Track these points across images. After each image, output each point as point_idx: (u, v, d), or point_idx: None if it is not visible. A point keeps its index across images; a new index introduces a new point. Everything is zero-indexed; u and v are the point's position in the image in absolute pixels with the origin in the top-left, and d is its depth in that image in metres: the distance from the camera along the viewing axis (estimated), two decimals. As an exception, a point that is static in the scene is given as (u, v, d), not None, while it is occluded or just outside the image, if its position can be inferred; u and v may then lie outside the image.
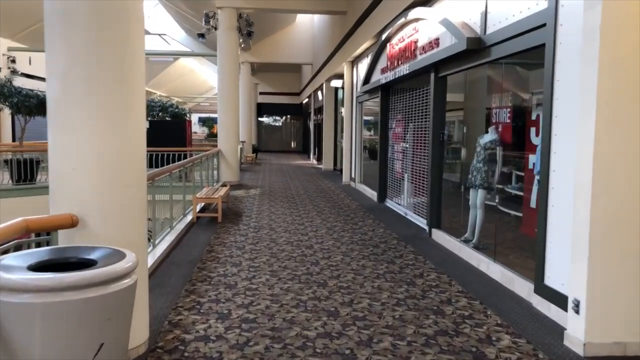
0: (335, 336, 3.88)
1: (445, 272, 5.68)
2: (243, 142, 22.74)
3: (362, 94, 13.10)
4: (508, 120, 5.82)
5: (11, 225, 2.78)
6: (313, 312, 4.39)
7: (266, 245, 6.92)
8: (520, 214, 5.56)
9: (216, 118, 15.43)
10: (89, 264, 2.61)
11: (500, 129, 5.90)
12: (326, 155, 20.25)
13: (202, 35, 15.57)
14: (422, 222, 8.48)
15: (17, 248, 3.57)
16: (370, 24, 11.57)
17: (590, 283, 3.56)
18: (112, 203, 3.32)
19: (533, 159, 5.29)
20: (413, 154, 9.20)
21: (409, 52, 8.70)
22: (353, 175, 14.90)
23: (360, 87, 13.15)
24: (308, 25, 24.90)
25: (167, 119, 19.15)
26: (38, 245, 4.20)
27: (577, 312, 3.66)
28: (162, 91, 39.29)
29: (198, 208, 9.28)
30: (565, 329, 3.85)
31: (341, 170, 16.86)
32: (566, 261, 4.09)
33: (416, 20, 8.33)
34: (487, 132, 6.23)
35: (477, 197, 6.40)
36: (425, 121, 8.34)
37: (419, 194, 8.88)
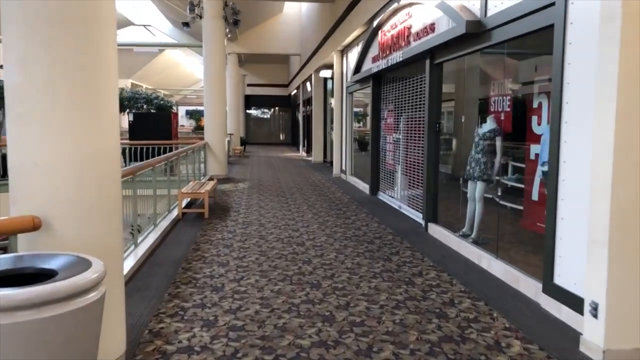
0: (331, 345, 3.55)
1: (445, 270, 5.37)
2: (231, 134, 22.29)
3: (353, 83, 12.73)
4: (508, 109, 5.51)
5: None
6: (307, 317, 4.05)
7: (255, 243, 6.57)
8: (520, 207, 5.27)
9: (203, 111, 14.97)
10: (48, 274, 2.25)
11: (500, 118, 5.59)
12: (316, 147, 19.88)
13: (186, 24, 15.05)
14: (417, 216, 8.17)
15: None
16: (360, 11, 11.19)
17: (610, 284, 3.26)
18: (81, 202, 2.94)
19: (535, 149, 5.02)
20: (407, 145, 8.87)
21: (402, 39, 8.35)
22: (344, 168, 14.56)
23: (350, 77, 12.78)
24: (296, 15, 24.44)
25: (153, 111, 18.66)
26: None
27: (595, 316, 3.36)
28: (149, 84, 38.61)
29: (184, 203, 8.88)
30: (581, 334, 3.55)
31: (331, 163, 16.51)
32: (579, 259, 3.80)
33: (410, 5, 7.98)
34: (485, 121, 5.93)
35: (475, 190, 6.10)
36: (420, 111, 8.01)
37: (413, 187, 8.57)
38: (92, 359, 2.34)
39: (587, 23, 3.76)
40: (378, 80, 10.75)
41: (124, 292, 3.39)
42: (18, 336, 1.99)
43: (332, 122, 16.87)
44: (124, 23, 27.05)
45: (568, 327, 3.86)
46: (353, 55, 12.93)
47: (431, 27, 7.08)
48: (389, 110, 10.24)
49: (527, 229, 5.15)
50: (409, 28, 8.03)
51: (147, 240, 6.35)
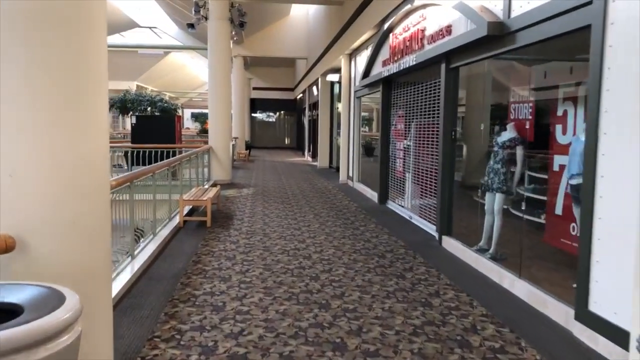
0: (343, 380, 3.17)
1: (464, 290, 4.97)
2: (236, 138, 21.94)
3: (361, 88, 12.35)
4: (530, 117, 5.15)
5: None
6: (315, 344, 3.67)
7: (259, 255, 6.19)
8: (542, 222, 4.90)
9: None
10: (10, 311, 1.88)
11: (524, 127, 5.22)
12: (322, 153, 19.51)
13: (191, 26, 14.70)
14: (429, 228, 7.77)
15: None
16: (370, 13, 10.83)
17: (663, 319, 2.86)
18: (62, 219, 2.58)
19: (559, 160, 4.67)
20: (418, 152, 8.49)
21: (415, 42, 7.98)
22: (350, 174, 14.17)
23: (359, 81, 12.40)
24: (303, 18, 24.12)
25: (156, 114, 18.34)
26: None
27: (643, 353, 2.96)
28: (154, 86, 38.37)
29: (185, 211, 8.52)
30: (625, 372, 3.16)
31: (337, 168, 16.13)
32: (619, 286, 3.41)
33: (423, 6, 7.62)
34: (504, 129, 5.55)
35: (494, 202, 5.71)
36: (433, 117, 7.63)
37: (425, 196, 8.17)
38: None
39: (631, 23, 3.38)
40: (388, 84, 10.37)
41: (112, 321, 3.01)
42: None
43: (338, 127, 16.49)
44: (129, 25, 26.83)
45: (606, 361, 3.47)
46: (362, 59, 12.57)
47: (447, 30, 6.70)
48: (399, 116, 9.86)
49: (549, 244, 4.78)
50: (423, 30, 7.66)
51: (145, 252, 5.98)
